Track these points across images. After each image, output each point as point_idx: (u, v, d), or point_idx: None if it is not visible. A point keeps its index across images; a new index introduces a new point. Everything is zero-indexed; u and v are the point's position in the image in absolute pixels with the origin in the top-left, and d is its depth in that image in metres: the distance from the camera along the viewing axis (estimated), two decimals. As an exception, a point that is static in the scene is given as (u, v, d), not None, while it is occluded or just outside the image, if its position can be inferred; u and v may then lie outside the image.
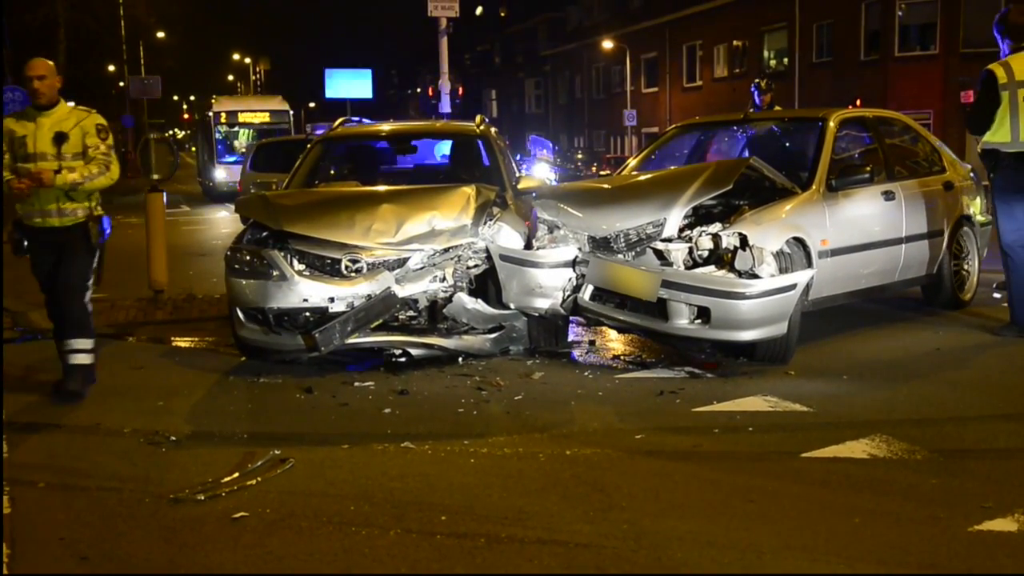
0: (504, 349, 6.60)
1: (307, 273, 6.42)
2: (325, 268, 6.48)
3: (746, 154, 8.06)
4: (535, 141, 34.74)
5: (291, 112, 33.98)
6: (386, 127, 9.55)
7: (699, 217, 6.51)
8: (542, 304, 6.45)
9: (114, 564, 3.50)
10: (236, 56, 79.86)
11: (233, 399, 5.84)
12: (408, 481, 4.24)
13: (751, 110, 9.96)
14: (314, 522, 3.79)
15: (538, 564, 3.39)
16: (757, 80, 10.80)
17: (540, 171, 22.13)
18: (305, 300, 6.33)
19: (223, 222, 20.96)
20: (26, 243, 5.90)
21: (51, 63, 5.98)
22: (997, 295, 8.45)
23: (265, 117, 32.88)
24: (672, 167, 7.93)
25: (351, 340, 6.21)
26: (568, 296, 6.43)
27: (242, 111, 33.22)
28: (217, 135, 32.17)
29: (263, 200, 7.18)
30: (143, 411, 5.55)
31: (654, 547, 3.49)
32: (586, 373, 6.19)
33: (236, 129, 32.47)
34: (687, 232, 6.29)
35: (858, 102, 26.74)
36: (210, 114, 33.06)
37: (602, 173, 31.85)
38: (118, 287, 10.61)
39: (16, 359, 6.95)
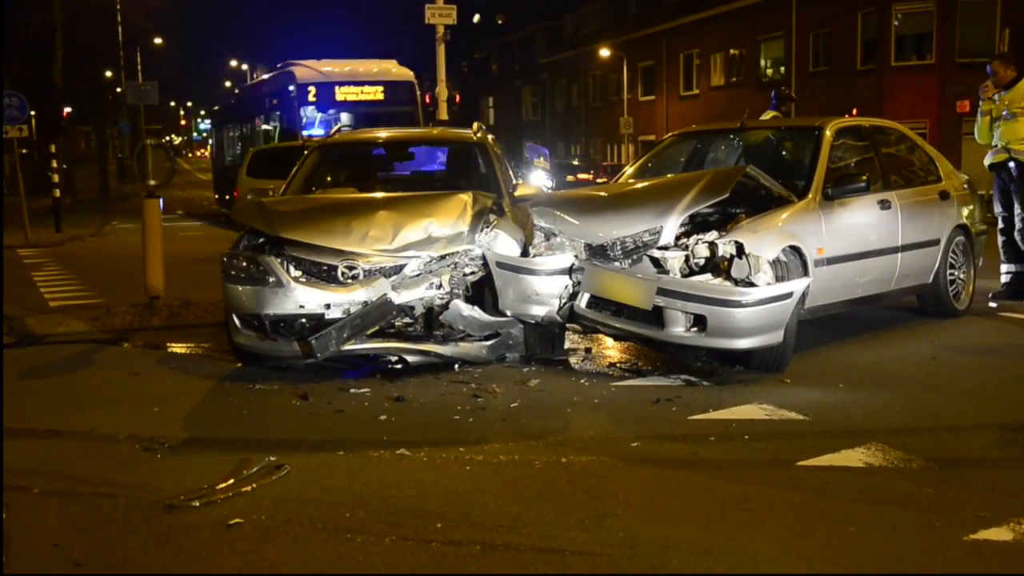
0: (500, 356, 6.60)
1: (303, 279, 6.43)
2: (321, 274, 6.48)
3: (743, 162, 8.07)
4: (532, 148, 34.73)
5: (416, 85, 20.88)
6: (383, 134, 9.56)
7: (696, 225, 6.52)
8: (538, 311, 6.45)
9: (109, 570, 3.49)
10: (233, 63, 79.81)
11: (229, 405, 5.84)
12: (403, 488, 4.23)
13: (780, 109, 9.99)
14: (309, 529, 3.79)
15: (533, 572, 3.39)
16: (782, 87, 10.75)
17: (537, 178, 22.12)
18: (301, 306, 6.33)
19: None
20: None
21: None
22: (993, 304, 8.48)
23: (378, 94, 19.98)
24: (669, 175, 7.94)
25: (347, 347, 6.22)
26: (564, 303, 6.43)
27: (343, 83, 19.97)
28: (304, 119, 19.54)
29: (259, 206, 7.18)
30: (139, 417, 5.55)
31: (649, 555, 3.49)
32: (582, 380, 6.19)
33: (334, 114, 19.44)
34: (683, 240, 6.29)
35: (854, 111, 26.77)
36: (292, 88, 19.96)
37: (599, 181, 31.86)
38: (114, 292, 10.64)
39: (12, 365, 6.94)
